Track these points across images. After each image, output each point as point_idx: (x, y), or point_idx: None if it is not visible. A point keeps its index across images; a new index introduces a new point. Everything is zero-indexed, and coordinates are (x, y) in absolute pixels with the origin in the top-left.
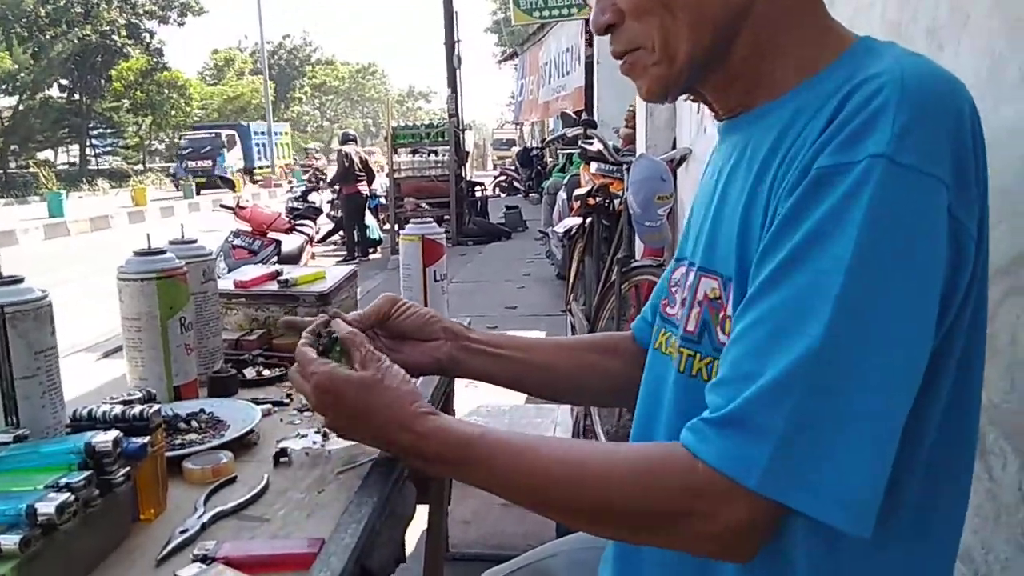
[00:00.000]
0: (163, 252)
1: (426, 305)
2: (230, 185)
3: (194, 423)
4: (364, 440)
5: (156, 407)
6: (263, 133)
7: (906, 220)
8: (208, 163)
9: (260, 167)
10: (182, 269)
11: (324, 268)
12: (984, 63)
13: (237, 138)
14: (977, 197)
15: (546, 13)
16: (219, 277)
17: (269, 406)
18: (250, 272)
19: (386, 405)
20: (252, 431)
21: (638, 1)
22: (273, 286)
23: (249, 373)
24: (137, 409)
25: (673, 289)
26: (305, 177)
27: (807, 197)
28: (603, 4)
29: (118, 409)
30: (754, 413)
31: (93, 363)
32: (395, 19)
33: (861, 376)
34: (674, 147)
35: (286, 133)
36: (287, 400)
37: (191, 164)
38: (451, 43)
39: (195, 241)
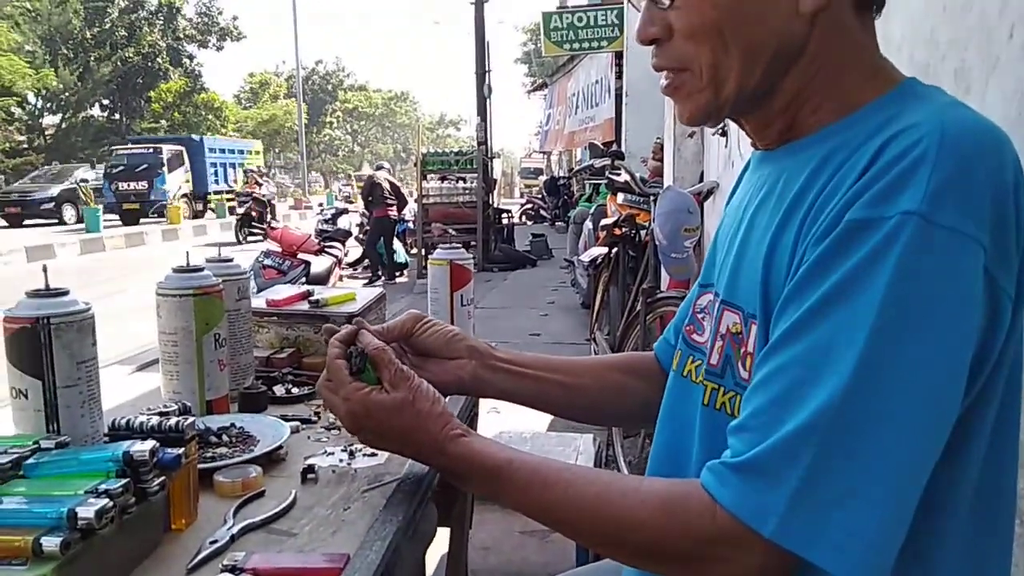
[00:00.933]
0: (201, 270)
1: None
2: (164, 212)
3: (225, 437)
4: (399, 454)
5: (191, 419)
6: (225, 151)
7: (935, 280)
8: (143, 185)
9: (216, 193)
10: (219, 286)
11: (354, 289)
12: (1012, 106)
13: (185, 156)
14: (1018, 255)
15: (576, 45)
16: (251, 294)
17: (298, 423)
18: (282, 291)
19: (418, 428)
20: (281, 447)
21: (693, 23)
22: (304, 306)
23: (279, 390)
24: (173, 421)
25: (700, 315)
26: (242, 211)
27: (836, 248)
28: (652, 14)
29: (155, 420)
30: (773, 462)
31: (128, 375)
32: (428, 48)
33: (879, 434)
34: (701, 180)
35: (256, 152)
36: (315, 418)
37: (121, 186)
38: (482, 72)
39: (231, 260)
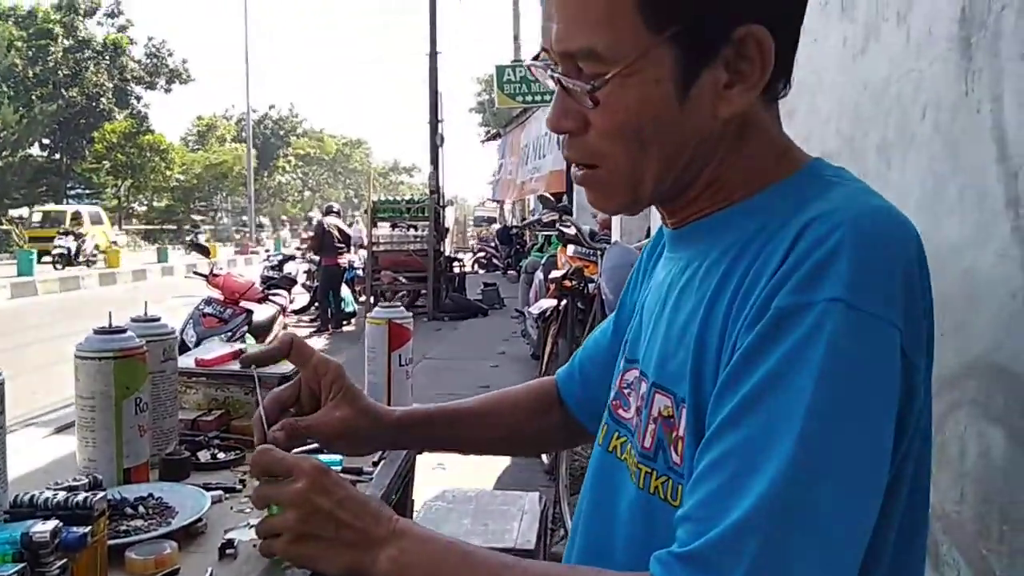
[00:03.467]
0: (123, 331)
1: (389, 390)
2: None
3: (141, 508)
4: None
5: (100, 495)
6: None
7: (862, 363)
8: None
9: None
10: (142, 349)
11: (292, 332)
12: (928, 181)
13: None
14: (925, 331)
15: (528, 98)
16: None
17: (220, 492)
18: (213, 350)
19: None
20: (200, 519)
21: (611, 126)
22: (235, 365)
23: (204, 456)
24: (81, 496)
25: (626, 391)
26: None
27: (766, 336)
28: (567, 105)
29: (61, 496)
30: (719, 553)
31: (43, 438)
32: (384, 94)
33: (820, 517)
34: (648, 235)
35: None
36: (240, 486)
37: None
38: (434, 123)
39: (158, 319)
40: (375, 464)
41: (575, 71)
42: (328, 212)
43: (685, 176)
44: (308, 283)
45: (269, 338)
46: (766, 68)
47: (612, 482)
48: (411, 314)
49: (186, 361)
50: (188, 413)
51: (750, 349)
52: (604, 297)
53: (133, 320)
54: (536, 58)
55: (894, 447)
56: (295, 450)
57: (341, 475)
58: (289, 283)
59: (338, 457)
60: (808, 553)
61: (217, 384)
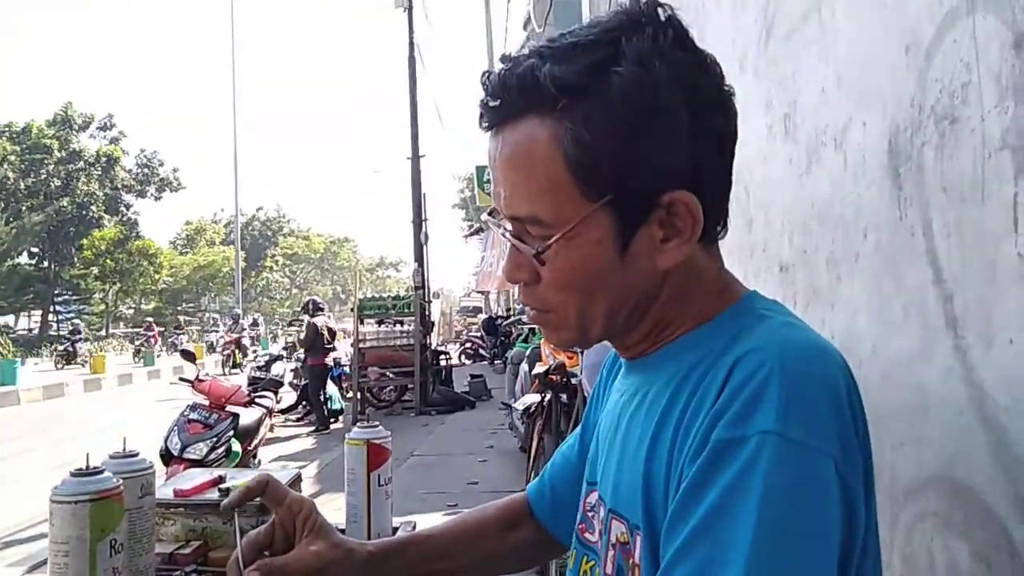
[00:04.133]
0: (100, 472)
1: (369, 511)
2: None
3: None
4: None
5: None
6: None
7: (800, 491)
8: None
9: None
10: (118, 489)
11: (268, 473)
12: (875, 298)
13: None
14: (861, 455)
15: None
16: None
17: None
18: (191, 479)
19: None
20: None
21: (559, 281)
22: (214, 494)
23: None
24: None
25: (590, 514)
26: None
27: (708, 468)
28: (518, 261)
29: None
30: None
31: None
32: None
33: None
34: None
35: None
36: None
37: None
38: (418, 222)
39: (136, 455)
40: None
41: (524, 232)
42: (316, 310)
43: (632, 319)
44: (295, 382)
45: (255, 441)
46: (696, 224)
47: None
48: (390, 433)
49: (164, 492)
50: (165, 546)
51: (694, 482)
52: (586, 393)
53: (111, 457)
54: (491, 214)
55: (844, 568)
56: None
57: None
58: (276, 384)
59: None
60: None
61: (195, 515)
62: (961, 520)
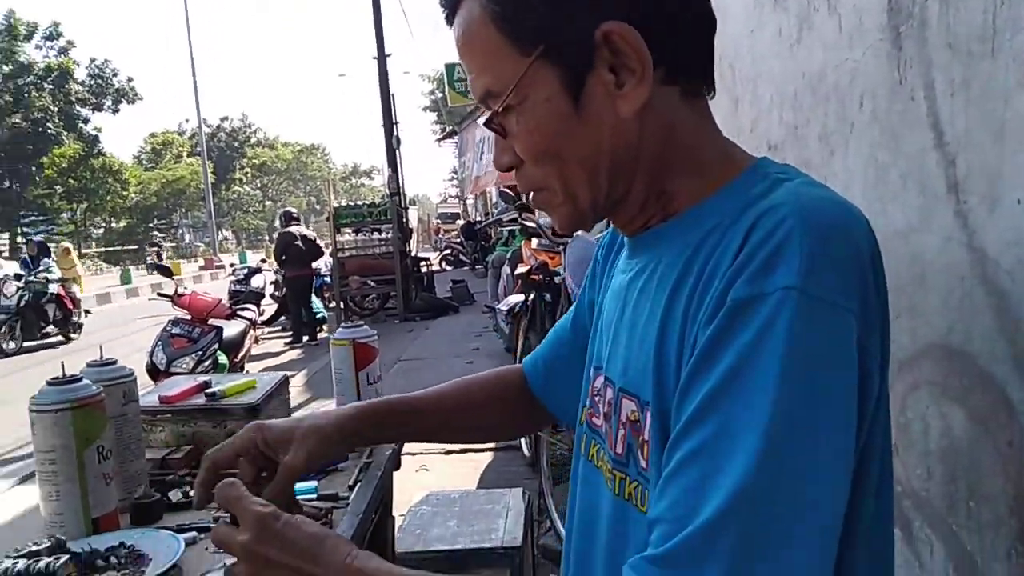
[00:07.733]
0: (79, 380)
1: None
2: None
3: (113, 559)
4: None
5: (64, 558)
6: None
7: (822, 349)
8: None
9: None
10: (99, 396)
11: (254, 377)
12: (871, 168)
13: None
14: (879, 318)
15: None
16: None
17: (194, 534)
18: (177, 384)
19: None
20: (175, 565)
21: (533, 151)
22: (201, 399)
23: (175, 495)
24: (43, 562)
25: (596, 398)
26: None
27: (725, 328)
28: (503, 145)
29: (22, 564)
30: (694, 552)
31: (7, 490)
32: (336, 99)
33: (793, 506)
34: (608, 226)
35: None
36: (214, 523)
37: None
38: (389, 126)
39: (114, 362)
40: (351, 488)
41: (494, 113)
42: (289, 220)
43: (618, 184)
44: (276, 293)
45: (241, 353)
46: (643, 59)
47: (593, 490)
48: (376, 332)
49: (150, 399)
50: (156, 452)
51: (709, 344)
52: (570, 291)
53: (89, 365)
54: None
55: (857, 434)
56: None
57: (313, 504)
58: (257, 297)
59: (313, 484)
60: (784, 544)
61: (183, 420)
62: (958, 386)
